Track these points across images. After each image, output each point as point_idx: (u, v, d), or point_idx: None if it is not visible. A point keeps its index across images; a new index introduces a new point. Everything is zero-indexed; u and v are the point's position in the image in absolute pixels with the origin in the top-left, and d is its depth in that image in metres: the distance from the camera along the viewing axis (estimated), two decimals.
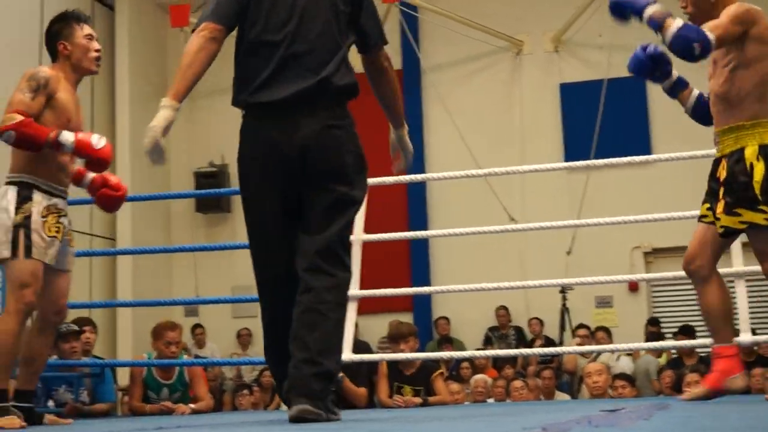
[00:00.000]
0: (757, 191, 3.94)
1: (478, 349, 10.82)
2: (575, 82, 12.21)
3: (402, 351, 6.78)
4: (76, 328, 6.86)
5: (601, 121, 11.33)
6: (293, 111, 3.49)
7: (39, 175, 4.23)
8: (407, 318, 10.86)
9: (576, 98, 12.09)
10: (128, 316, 11.45)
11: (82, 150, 4.16)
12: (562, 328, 10.72)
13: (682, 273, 4.36)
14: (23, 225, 4.14)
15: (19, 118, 4.08)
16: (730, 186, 4.02)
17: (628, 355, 9.46)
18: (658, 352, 9.36)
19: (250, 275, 3.73)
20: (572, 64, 12.33)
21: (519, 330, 11.58)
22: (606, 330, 10.23)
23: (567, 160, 11.26)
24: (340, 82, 3.55)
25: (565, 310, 10.74)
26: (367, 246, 6.03)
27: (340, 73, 3.56)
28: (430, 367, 6.89)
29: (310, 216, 3.53)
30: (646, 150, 11.19)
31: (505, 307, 11.59)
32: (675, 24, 3.82)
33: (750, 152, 3.99)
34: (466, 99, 12.39)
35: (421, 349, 9.35)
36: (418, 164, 12.08)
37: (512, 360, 9.98)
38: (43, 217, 4.18)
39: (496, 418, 3.55)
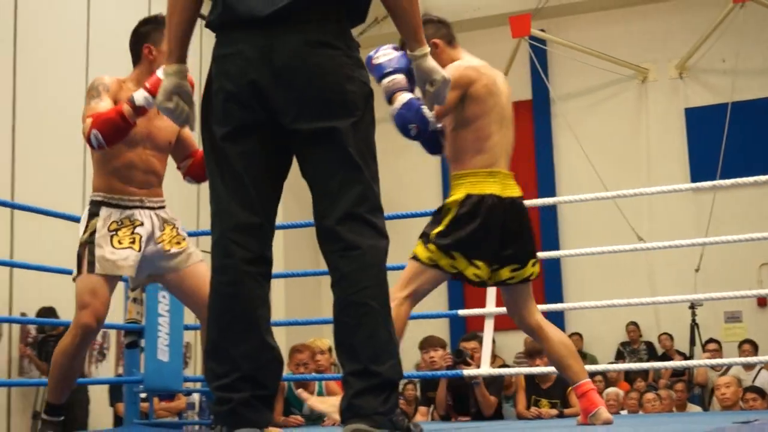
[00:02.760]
0: None
1: (611, 363, 10.67)
2: (700, 107, 12.00)
3: (538, 366, 6.73)
4: None
5: (726, 143, 11.07)
6: (269, 26, 2.44)
7: (108, 190, 3.86)
8: None
9: (701, 122, 11.88)
10: (282, 334, 11.63)
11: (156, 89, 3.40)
12: (692, 343, 10.50)
13: None
14: (89, 242, 3.77)
15: (90, 120, 3.68)
16: None
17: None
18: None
19: None
20: (696, 90, 12.14)
21: (650, 345, 11.39)
22: (753, 343, 9.88)
23: (693, 181, 11.06)
24: None
25: (694, 326, 10.52)
26: None
27: None
28: (565, 381, 6.81)
29: (311, 171, 2.51)
30: None
31: (635, 323, 11.42)
32: (399, 100, 3.42)
33: None
34: (594, 125, 12.30)
35: None
36: (549, 187, 12.04)
37: (644, 374, 9.82)
38: (112, 230, 3.80)
39: (633, 427, 3.50)
